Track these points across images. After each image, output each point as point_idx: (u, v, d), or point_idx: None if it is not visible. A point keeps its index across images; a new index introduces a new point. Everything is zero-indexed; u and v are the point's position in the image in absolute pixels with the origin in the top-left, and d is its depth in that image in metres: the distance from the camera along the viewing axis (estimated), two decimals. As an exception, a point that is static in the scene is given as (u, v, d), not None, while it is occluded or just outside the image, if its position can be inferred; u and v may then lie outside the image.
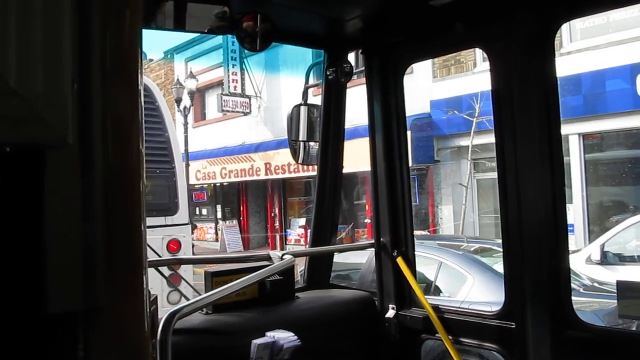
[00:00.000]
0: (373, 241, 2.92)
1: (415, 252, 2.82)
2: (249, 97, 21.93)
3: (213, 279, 2.27)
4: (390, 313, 2.77)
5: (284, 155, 18.56)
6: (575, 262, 8.19)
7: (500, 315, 2.39)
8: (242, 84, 22.01)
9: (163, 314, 1.50)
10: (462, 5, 2.33)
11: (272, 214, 22.88)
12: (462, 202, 14.47)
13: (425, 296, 2.72)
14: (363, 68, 2.92)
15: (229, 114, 22.32)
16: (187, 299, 1.85)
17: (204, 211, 24.24)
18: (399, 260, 2.76)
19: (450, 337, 2.52)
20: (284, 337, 2.12)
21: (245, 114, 22.09)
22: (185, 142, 21.49)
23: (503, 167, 2.35)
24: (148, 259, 0.79)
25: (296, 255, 2.60)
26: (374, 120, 2.84)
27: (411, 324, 2.70)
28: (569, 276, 2.24)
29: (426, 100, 15.23)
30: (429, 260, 6.04)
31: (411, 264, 2.78)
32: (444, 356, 2.59)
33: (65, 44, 0.61)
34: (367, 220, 18.32)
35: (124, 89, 0.70)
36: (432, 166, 16.05)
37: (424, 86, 14.97)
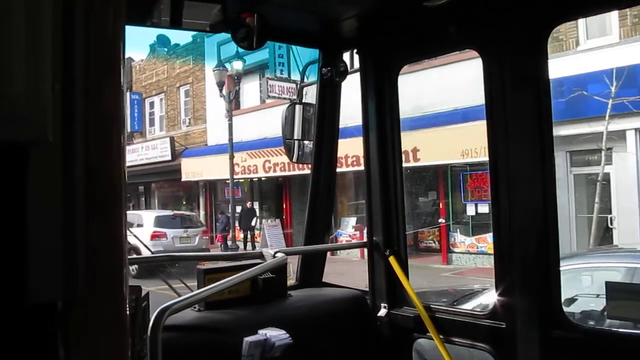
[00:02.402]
0: (366, 240, 2.94)
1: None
2: (295, 82, 19.38)
3: (205, 276, 2.28)
4: (382, 312, 2.79)
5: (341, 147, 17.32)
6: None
7: (490, 315, 2.41)
8: (288, 68, 20.22)
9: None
10: (456, 7, 2.35)
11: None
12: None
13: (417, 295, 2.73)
14: (357, 67, 2.94)
15: (270, 101, 20.29)
16: (179, 295, 1.85)
17: (238, 209, 21.75)
18: (392, 260, 2.77)
19: (441, 337, 2.54)
20: (276, 334, 2.13)
21: (292, 100, 19.23)
22: (229, 131, 19.79)
23: (495, 168, 2.36)
24: (140, 256, 0.79)
25: (289, 253, 2.61)
26: (368, 119, 2.85)
27: (403, 323, 2.72)
28: (559, 277, 2.26)
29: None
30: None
31: (403, 263, 2.79)
32: (434, 355, 2.60)
33: (45, 42, 0.62)
34: (441, 221, 17.00)
35: (107, 85, 0.71)
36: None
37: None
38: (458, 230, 16.93)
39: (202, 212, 26.03)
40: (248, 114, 22.64)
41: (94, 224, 0.68)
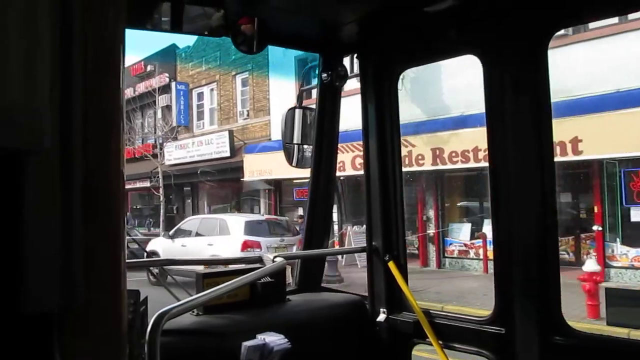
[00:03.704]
0: (365, 245, 2.93)
1: None
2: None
3: (204, 280, 2.27)
4: (381, 317, 2.78)
5: (458, 140, 14.11)
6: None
7: (490, 321, 2.40)
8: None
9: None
10: (456, 13, 2.35)
11: (424, 218, 17.12)
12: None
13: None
14: (357, 72, 2.94)
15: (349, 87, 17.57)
16: (178, 300, 1.84)
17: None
18: (391, 265, 2.77)
19: (441, 342, 2.53)
20: (274, 339, 2.12)
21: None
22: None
23: (495, 174, 2.36)
24: (139, 259, 0.79)
25: (288, 258, 2.60)
26: (367, 124, 2.86)
27: (402, 328, 2.71)
28: (558, 283, 2.26)
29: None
30: None
31: (403, 268, 2.79)
32: (433, 361, 2.60)
33: (43, 48, 0.61)
34: (597, 228, 13.63)
35: (106, 89, 0.70)
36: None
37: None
38: (617, 239, 13.48)
39: (262, 212, 22.90)
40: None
41: (92, 230, 0.68)
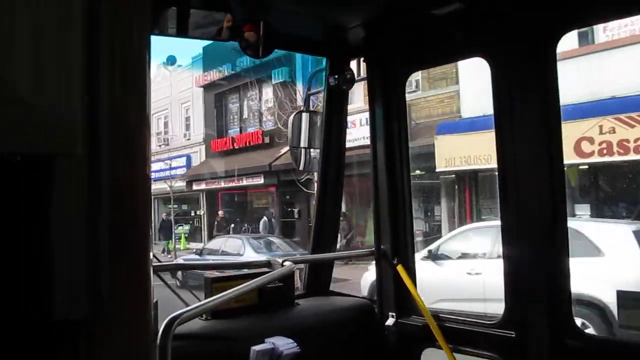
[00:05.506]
0: (374, 249, 2.92)
1: None
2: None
3: (213, 285, 2.27)
4: (390, 321, 2.77)
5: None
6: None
7: (500, 324, 2.38)
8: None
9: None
10: (463, 15, 2.35)
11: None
12: None
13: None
14: (364, 76, 2.94)
15: (602, 40, 12.94)
16: (187, 305, 1.84)
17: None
18: (399, 268, 2.76)
19: (450, 346, 2.52)
20: (283, 343, 2.11)
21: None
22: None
23: (504, 176, 2.35)
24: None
25: (297, 262, 2.60)
26: (375, 128, 2.85)
27: (411, 332, 2.69)
28: (569, 285, 2.24)
29: None
30: None
31: (411, 272, 2.77)
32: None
33: (75, 55, 0.62)
34: None
35: (133, 96, 0.71)
36: None
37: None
38: None
39: (444, 217, 16.78)
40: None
41: (119, 237, 0.68)
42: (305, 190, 18.55)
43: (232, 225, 25.62)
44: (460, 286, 9.36)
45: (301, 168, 3.06)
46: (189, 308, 1.69)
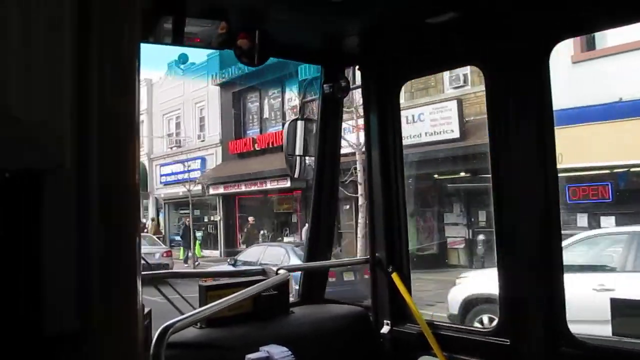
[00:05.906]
0: (368, 257, 2.92)
1: None
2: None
3: (207, 293, 2.26)
4: (385, 329, 2.76)
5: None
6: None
7: (495, 332, 2.38)
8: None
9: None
10: (458, 24, 2.36)
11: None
12: None
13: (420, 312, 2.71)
14: (359, 84, 2.95)
15: None
16: (181, 313, 1.83)
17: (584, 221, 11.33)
18: (394, 276, 2.76)
19: (445, 354, 2.51)
20: (278, 352, 2.10)
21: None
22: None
23: (498, 182, 2.36)
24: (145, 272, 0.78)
25: (291, 270, 2.59)
26: (370, 136, 2.86)
27: (406, 339, 2.69)
28: (563, 293, 2.24)
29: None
30: None
31: (406, 280, 2.77)
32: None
33: (65, 70, 0.62)
34: None
35: (123, 107, 0.70)
36: None
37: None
38: None
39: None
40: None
41: (109, 248, 0.68)
42: (346, 193, 15.26)
43: (263, 232, 23.78)
44: (585, 305, 6.43)
45: (296, 176, 3.07)
46: (183, 316, 1.68)
